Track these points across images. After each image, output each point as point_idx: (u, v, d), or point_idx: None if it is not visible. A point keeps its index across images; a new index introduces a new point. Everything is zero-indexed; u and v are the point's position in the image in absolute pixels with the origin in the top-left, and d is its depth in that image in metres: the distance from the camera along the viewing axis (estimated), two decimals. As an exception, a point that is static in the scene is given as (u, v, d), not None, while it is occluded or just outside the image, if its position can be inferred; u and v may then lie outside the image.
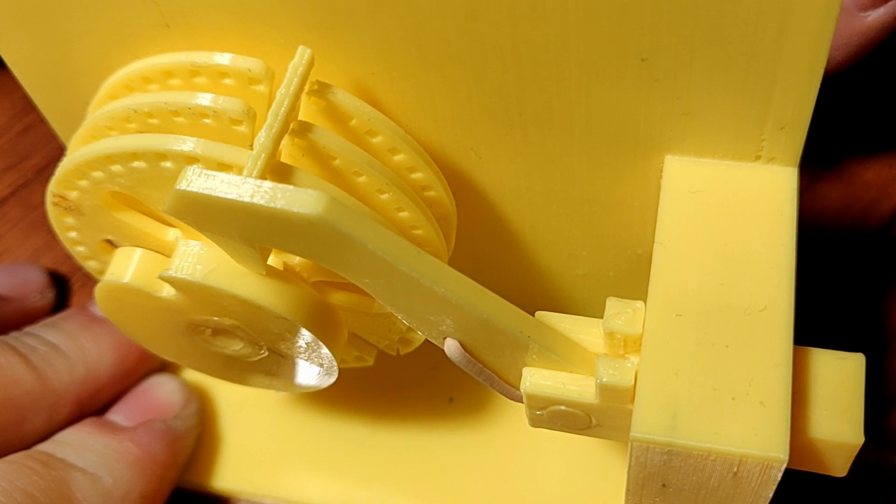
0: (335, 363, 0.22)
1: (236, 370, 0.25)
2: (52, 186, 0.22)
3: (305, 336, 0.21)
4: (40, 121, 0.28)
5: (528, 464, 0.27)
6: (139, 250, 0.22)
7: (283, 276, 0.21)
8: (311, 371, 0.23)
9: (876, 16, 0.26)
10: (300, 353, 0.23)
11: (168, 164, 0.20)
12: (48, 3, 0.21)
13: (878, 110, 0.33)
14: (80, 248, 0.24)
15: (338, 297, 0.23)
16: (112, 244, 0.24)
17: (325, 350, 0.22)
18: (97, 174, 0.21)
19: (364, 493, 0.27)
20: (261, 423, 0.29)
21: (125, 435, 0.25)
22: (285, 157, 0.20)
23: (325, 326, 0.21)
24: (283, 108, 0.19)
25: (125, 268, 0.22)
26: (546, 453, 0.27)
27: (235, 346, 0.23)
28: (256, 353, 0.23)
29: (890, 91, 0.33)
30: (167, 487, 0.26)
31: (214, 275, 0.20)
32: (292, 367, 0.24)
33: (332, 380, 0.23)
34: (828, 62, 0.28)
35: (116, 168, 0.20)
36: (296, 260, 0.22)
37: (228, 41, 0.20)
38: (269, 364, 0.24)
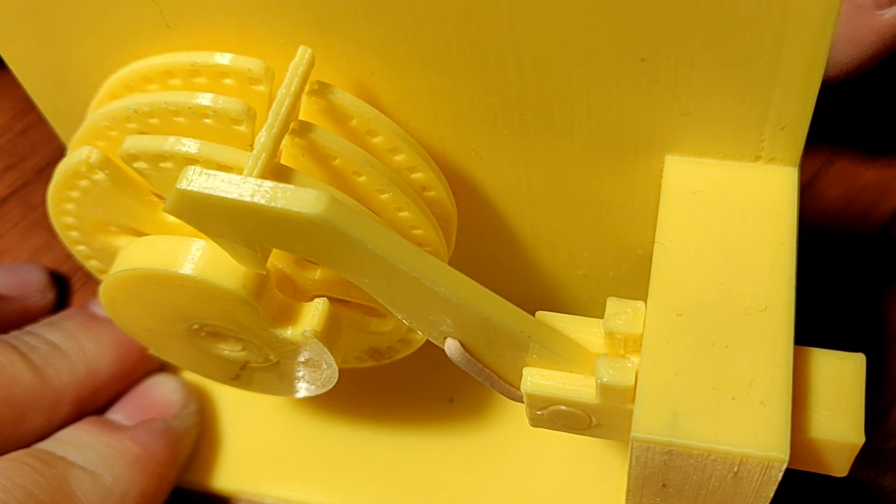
0: (335, 367, 0.22)
1: (236, 374, 0.25)
2: (53, 186, 0.22)
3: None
4: (40, 121, 0.28)
5: (528, 464, 0.27)
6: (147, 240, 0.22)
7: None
8: (312, 376, 0.23)
9: (893, 13, 0.26)
10: (301, 357, 0.23)
11: (168, 165, 0.20)
12: (48, 3, 0.21)
13: (878, 110, 0.33)
14: (81, 248, 0.24)
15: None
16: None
17: (326, 355, 0.22)
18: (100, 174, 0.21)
19: (364, 493, 0.27)
20: (261, 423, 0.29)
21: (125, 434, 0.25)
22: (285, 156, 0.20)
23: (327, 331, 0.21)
24: (283, 108, 0.19)
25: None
26: (546, 453, 0.27)
27: (236, 350, 0.23)
28: (257, 357, 0.23)
29: (890, 91, 0.33)
30: (167, 486, 0.26)
31: (214, 274, 0.20)
32: (292, 372, 0.24)
33: (332, 384, 0.23)
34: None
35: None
36: (289, 259, 0.22)
37: (228, 41, 0.20)
38: (269, 368, 0.24)
